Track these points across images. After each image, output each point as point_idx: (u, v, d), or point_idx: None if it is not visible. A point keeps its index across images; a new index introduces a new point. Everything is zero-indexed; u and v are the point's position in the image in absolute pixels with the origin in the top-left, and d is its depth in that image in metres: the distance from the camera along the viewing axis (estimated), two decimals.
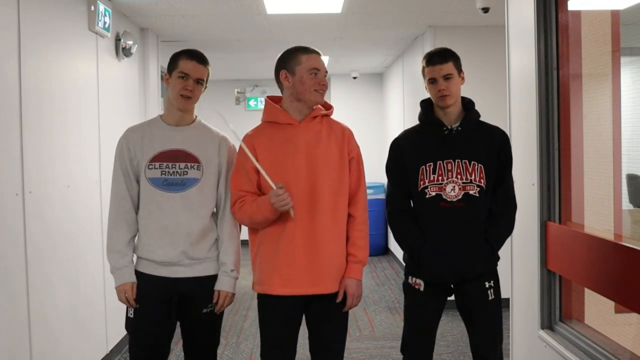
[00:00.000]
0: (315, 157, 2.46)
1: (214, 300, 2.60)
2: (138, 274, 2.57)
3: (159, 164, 2.55)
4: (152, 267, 2.56)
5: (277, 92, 2.67)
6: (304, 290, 2.44)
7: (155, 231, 2.54)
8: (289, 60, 2.50)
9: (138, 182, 2.58)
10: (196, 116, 2.70)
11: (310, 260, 2.43)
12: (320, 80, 2.47)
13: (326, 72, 2.52)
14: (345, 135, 2.55)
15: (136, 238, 2.62)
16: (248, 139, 2.52)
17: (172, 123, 2.62)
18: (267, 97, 2.61)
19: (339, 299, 2.49)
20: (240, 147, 2.51)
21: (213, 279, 2.62)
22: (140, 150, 2.56)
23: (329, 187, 2.45)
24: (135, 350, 2.59)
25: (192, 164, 2.57)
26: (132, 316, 2.57)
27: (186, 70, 2.54)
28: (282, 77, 2.51)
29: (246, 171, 2.48)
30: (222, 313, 2.67)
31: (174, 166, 2.55)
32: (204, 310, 2.60)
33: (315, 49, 2.52)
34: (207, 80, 2.62)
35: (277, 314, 2.49)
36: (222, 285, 2.61)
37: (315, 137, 2.49)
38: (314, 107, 2.53)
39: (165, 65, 2.68)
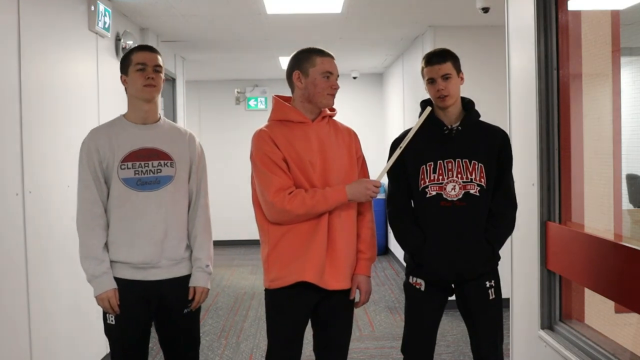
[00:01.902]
0: (328, 155, 2.50)
1: (190, 297, 2.57)
2: (114, 279, 2.49)
3: (132, 163, 2.49)
4: (128, 271, 2.49)
5: (276, 92, 2.69)
6: (325, 284, 2.45)
7: (132, 232, 2.48)
8: (303, 61, 2.49)
9: (106, 184, 2.51)
10: (160, 115, 2.66)
11: (330, 256, 2.46)
12: (332, 83, 2.49)
13: (338, 75, 2.53)
14: (351, 136, 2.62)
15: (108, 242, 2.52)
16: (265, 134, 2.47)
17: (139, 122, 2.56)
18: (276, 96, 2.60)
19: (353, 295, 2.55)
20: (264, 139, 2.45)
21: (189, 278, 2.59)
22: (110, 151, 2.49)
23: (341, 183, 2.49)
24: (120, 356, 2.54)
25: (165, 162, 2.53)
26: (113, 322, 2.50)
27: (142, 60, 2.51)
28: (294, 78, 2.51)
29: (276, 163, 2.43)
30: (199, 309, 2.65)
31: (146, 165, 2.50)
32: (185, 311, 2.58)
33: (330, 52, 2.53)
34: (163, 70, 2.59)
35: (290, 311, 2.49)
36: (198, 281, 2.58)
37: (326, 135, 2.53)
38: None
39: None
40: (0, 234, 2.95)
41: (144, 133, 2.55)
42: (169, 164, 2.54)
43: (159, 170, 2.52)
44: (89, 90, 4.20)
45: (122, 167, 2.48)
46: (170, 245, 2.52)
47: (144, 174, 2.50)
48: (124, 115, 2.60)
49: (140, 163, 2.50)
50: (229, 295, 6.43)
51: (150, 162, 2.51)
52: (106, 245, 2.50)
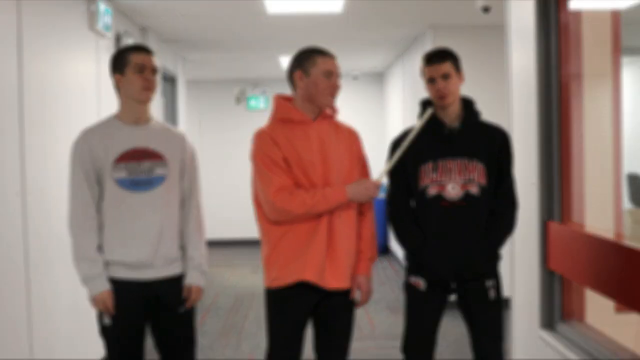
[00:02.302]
0: (328, 154, 2.50)
1: (185, 295, 2.57)
2: (109, 279, 2.49)
3: (125, 164, 2.48)
4: (123, 271, 2.49)
5: (276, 92, 2.69)
6: (325, 283, 2.46)
7: (127, 233, 2.48)
8: (304, 61, 2.50)
9: (99, 185, 2.49)
10: (151, 115, 2.64)
11: (330, 255, 2.47)
12: (333, 83, 2.50)
13: (339, 75, 2.54)
14: (352, 136, 2.63)
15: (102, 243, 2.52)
16: (266, 134, 2.49)
17: (131, 122, 2.55)
18: (277, 95, 2.61)
19: (353, 295, 2.56)
20: (265, 139, 2.46)
21: (182, 277, 2.60)
22: (103, 151, 2.48)
23: (341, 183, 2.49)
24: (117, 357, 2.53)
25: (158, 162, 2.53)
26: (109, 323, 2.49)
27: (142, 61, 2.49)
28: (296, 77, 2.52)
29: (276, 163, 2.44)
30: (194, 310, 2.65)
31: (140, 165, 2.50)
32: (181, 310, 2.58)
33: (331, 53, 2.54)
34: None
35: (291, 311, 2.50)
36: (193, 279, 2.58)
37: (327, 135, 2.53)
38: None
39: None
40: (0, 234, 2.95)
41: (136, 133, 2.54)
42: (161, 164, 2.54)
43: (151, 171, 2.52)
44: (89, 90, 4.20)
45: (116, 167, 2.48)
46: (165, 245, 2.52)
47: (137, 175, 2.49)
48: (115, 115, 2.59)
49: (133, 163, 2.50)
50: (229, 295, 6.43)
51: (143, 162, 2.51)
52: (99, 246, 2.49)
